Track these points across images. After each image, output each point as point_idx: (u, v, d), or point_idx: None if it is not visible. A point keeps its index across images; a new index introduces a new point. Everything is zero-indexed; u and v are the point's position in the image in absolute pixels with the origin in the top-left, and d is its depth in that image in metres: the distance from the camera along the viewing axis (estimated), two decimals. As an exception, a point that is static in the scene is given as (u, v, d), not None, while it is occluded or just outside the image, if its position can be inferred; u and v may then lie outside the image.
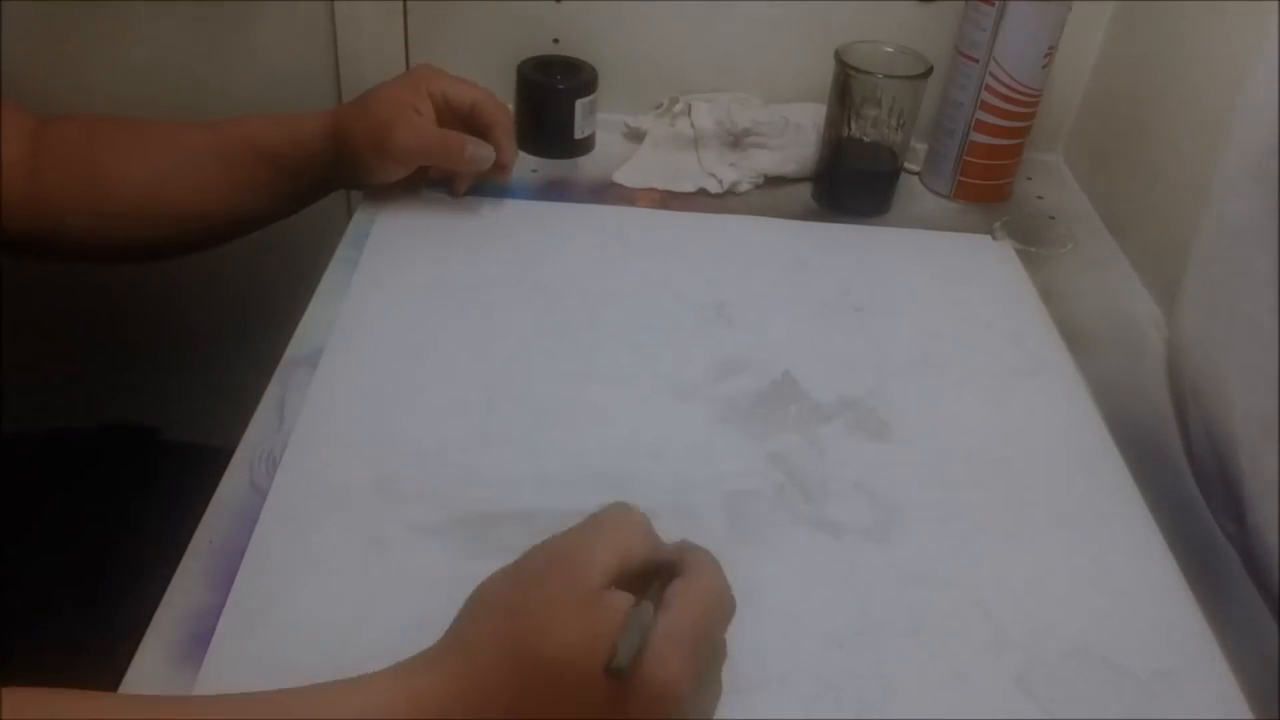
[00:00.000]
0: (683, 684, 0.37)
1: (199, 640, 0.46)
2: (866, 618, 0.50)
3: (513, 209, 0.77)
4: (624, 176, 0.83)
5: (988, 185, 0.84)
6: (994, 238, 0.80)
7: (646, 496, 0.53)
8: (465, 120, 0.72)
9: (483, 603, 0.40)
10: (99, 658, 0.45)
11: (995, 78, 0.79)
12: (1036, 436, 0.62)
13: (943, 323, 0.70)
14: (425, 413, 0.59)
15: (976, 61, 0.79)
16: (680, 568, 0.41)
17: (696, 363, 0.64)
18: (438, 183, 0.77)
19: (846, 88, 0.77)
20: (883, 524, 0.55)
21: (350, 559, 0.50)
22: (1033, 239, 0.81)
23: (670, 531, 0.50)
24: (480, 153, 0.71)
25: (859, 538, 0.54)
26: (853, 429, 0.61)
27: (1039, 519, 0.56)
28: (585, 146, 0.87)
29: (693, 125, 0.86)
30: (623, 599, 0.38)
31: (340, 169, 0.72)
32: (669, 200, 0.81)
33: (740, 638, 0.45)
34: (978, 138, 0.82)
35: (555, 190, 0.82)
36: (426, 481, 0.54)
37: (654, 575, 0.40)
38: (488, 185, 0.77)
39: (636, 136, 0.88)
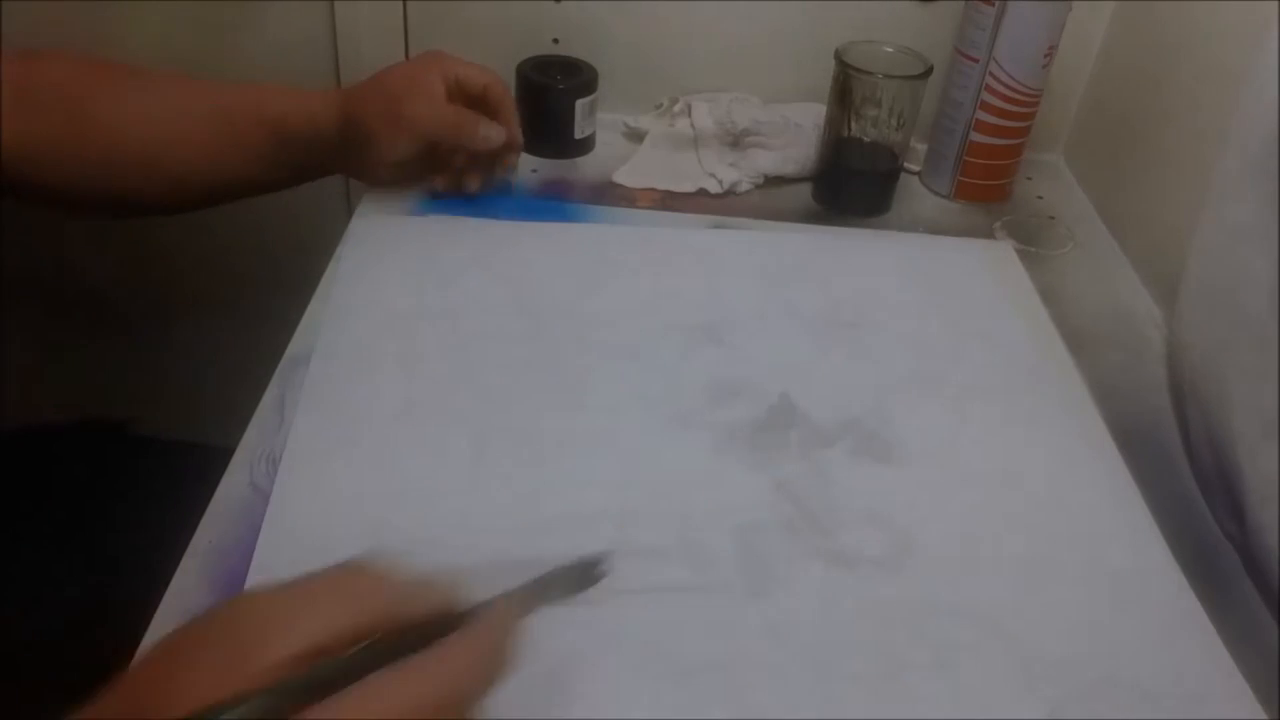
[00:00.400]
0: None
1: (199, 640, 0.46)
2: (891, 657, 0.48)
3: (488, 232, 0.74)
4: (624, 176, 0.83)
5: (988, 185, 0.84)
6: (994, 238, 0.80)
7: (652, 536, 0.52)
8: (476, 103, 0.72)
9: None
10: (98, 658, 0.45)
11: (995, 78, 0.79)
12: (1041, 447, 0.60)
13: (942, 329, 0.69)
14: (412, 459, 0.55)
15: (976, 61, 0.79)
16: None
17: (691, 389, 0.62)
18: (444, 192, 0.76)
19: (846, 88, 0.77)
20: (896, 553, 0.53)
21: None
22: (1033, 239, 0.81)
23: (681, 572, 0.50)
24: (491, 132, 0.71)
25: (874, 569, 0.52)
26: (857, 452, 0.58)
27: (1049, 535, 0.55)
28: (585, 146, 0.87)
29: (693, 125, 0.86)
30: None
31: (347, 147, 0.70)
32: (669, 200, 0.81)
33: (766, 682, 0.46)
34: (978, 138, 0.82)
35: (555, 190, 0.82)
36: (418, 531, 0.51)
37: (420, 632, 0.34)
38: (491, 185, 0.77)
39: (636, 136, 0.88)
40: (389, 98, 0.69)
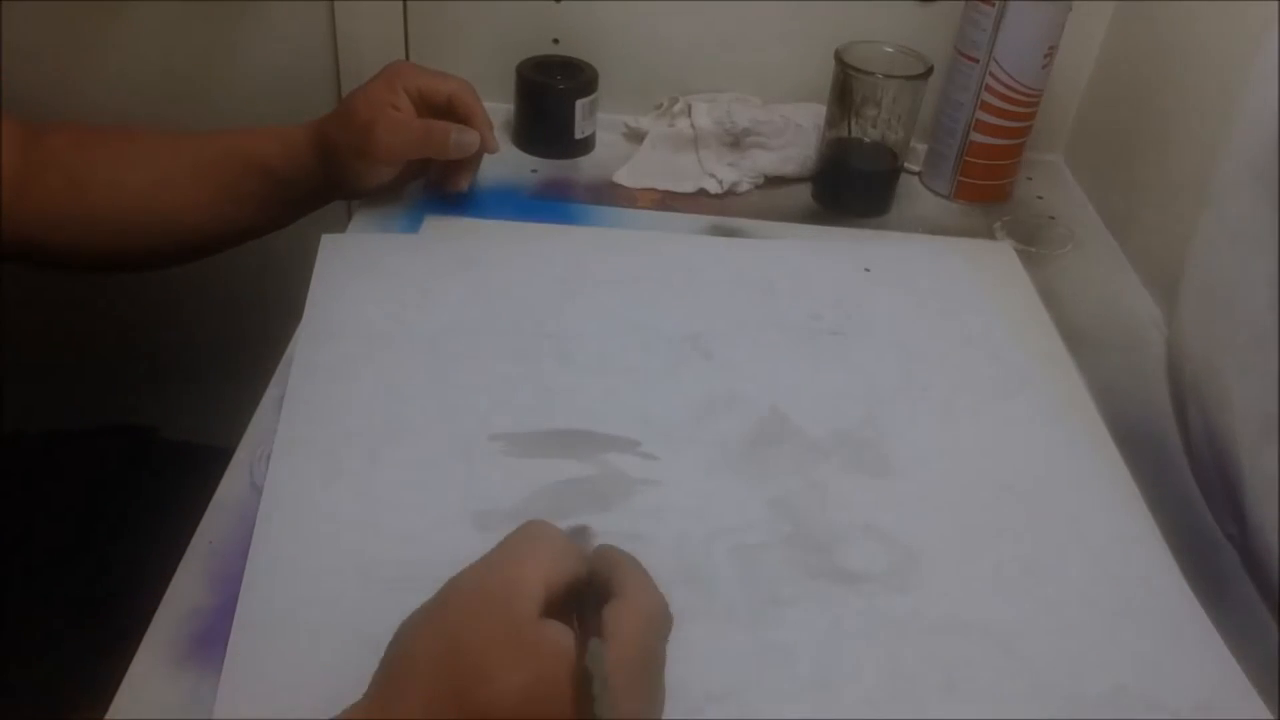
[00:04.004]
0: (639, 714, 0.37)
1: (199, 640, 0.46)
2: (899, 677, 0.47)
3: (459, 243, 0.72)
4: (624, 177, 0.83)
5: (988, 185, 0.84)
6: (994, 238, 0.80)
7: (650, 561, 0.48)
8: (443, 113, 0.72)
9: (411, 652, 0.37)
10: (99, 658, 0.45)
11: (995, 78, 0.79)
12: (1041, 448, 0.60)
13: (941, 330, 0.68)
14: (395, 485, 0.54)
15: (976, 61, 0.79)
16: (611, 586, 0.39)
17: (680, 405, 0.60)
18: (435, 185, 0.76)
19: (846, 88, 0.77)
20: (899, 569, 0.52)
21: (335, 649, 0.45)
22: (1033, 239, 0.81)
23: (682, 598, 0.47)
24: (464, 139, 0.71)
25: (878, 587, 0.51)
26: (852, 465, 0.57)
27: (1050, 540, 0.54)
28: (585, 146, 0.87)
29: (693, 125, 0.86)
30: (563, 634, 0.36)
31: (330, 179, 0.71)
32: (669, 200, 0.81)
33: (775, 709, 0.45)
34: (978, 138, 0.82)
35: (555, 190, 0.82)
36: (410, 567, 0.47)
37: (581, 594, 0.39)
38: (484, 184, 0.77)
39: (636, 136, 0.88)
40: (357, 128, 0.68)
